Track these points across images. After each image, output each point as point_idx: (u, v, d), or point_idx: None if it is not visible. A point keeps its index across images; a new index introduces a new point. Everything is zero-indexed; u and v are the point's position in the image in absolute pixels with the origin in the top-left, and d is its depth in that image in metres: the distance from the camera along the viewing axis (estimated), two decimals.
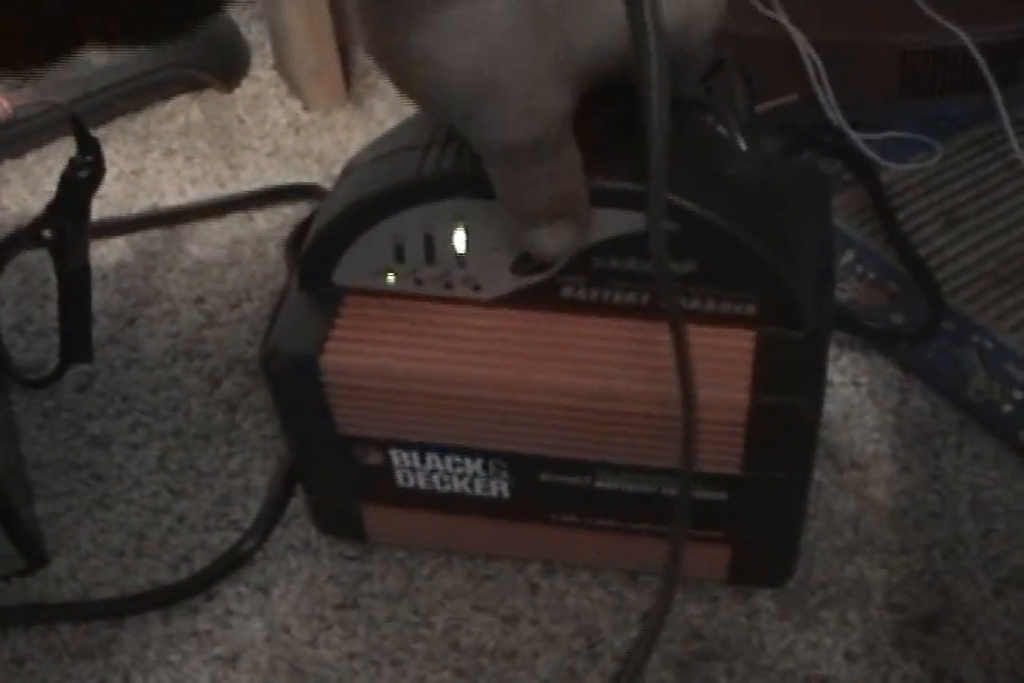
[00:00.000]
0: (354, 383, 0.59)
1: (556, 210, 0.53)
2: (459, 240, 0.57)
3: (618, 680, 0.59)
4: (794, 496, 0.61)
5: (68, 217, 0.75)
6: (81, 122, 0.72)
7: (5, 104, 0.63)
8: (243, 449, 0.76)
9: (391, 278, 0.60)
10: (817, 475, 0.71)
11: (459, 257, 0.58)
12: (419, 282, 0.59)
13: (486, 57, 0.46)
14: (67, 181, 0.74)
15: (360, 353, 0.59)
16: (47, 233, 0.76)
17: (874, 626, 0.65)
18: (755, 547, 0.64)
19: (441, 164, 0.55)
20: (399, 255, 0.59)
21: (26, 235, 0.77)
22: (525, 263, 0.57)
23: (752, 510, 0.61)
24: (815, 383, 0.57)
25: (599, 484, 0.62)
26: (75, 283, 0.77)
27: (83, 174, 0.73)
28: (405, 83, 0.48)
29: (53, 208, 0.75)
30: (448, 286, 0.59)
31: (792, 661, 0.64)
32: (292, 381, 0.60)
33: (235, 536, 0.71)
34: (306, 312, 0.61)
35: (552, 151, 0.50)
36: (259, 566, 0.70)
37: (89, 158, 0.73)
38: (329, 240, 0.59)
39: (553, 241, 0.54)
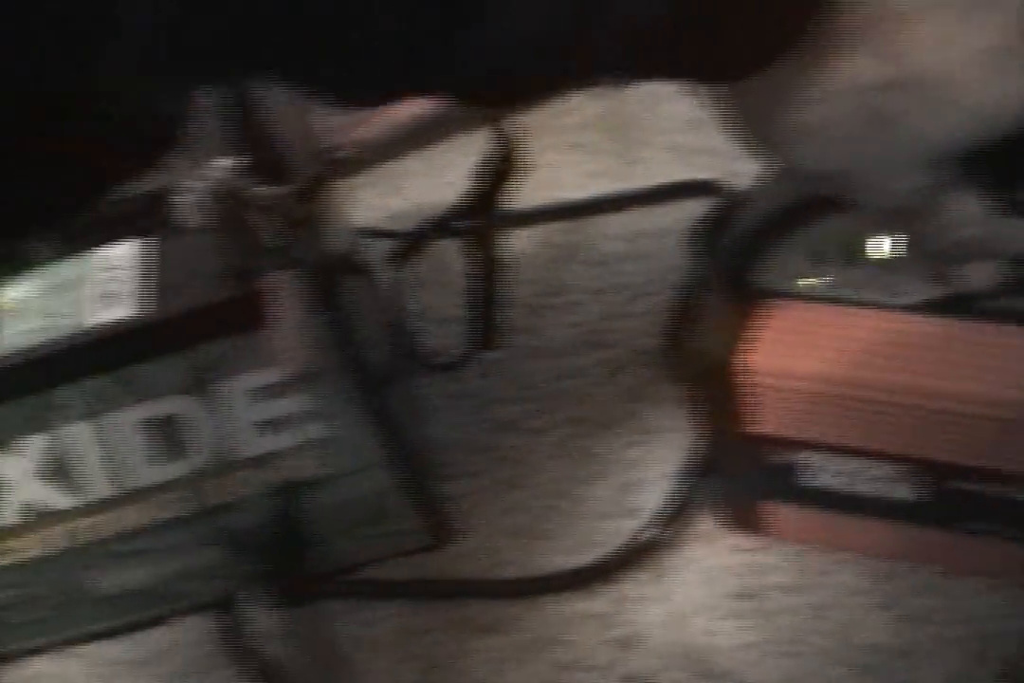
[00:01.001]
0: (772, 384, 0.61)
1: (965, 253, 0.54)
2: (881, 246, 0.58)
3: None
4: None
5: (481, 209, 0.79)
6: (500, 117, 0.75)
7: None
8: (644, 439, 0.78)
9: (810, 281, 0.61)
10: None
11: (878, 263, 0.59)
12: (836, 287, 0.61)
13: (827, 155, 0.49)
14: (482, 173, 0.77)
15: (778, 355, 0.61)
16: (459, 224, 0.79)
17: None
18: None
19: None
20: (819, 259, 0.60)
21: (438, 225, 0.81)
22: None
23: None
24: None
25: (1012, 495, 0.61)
26: (485, 273, 0.81)
27: (497, 167, 0.76)
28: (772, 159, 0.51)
29: (467, 199, 0.78)
30: (865, 291, 0.60)
31: None
32: (711, 379, 0.62)
33: (632, 523, 0.73)
34: (726, 313, 0.62)
35: (931, 211, 0.51)
36: (658, 554, 0.72)
37: (504, 152, 0.76)
38: (752, 243, 0.61)
39: (973, 278, 0.56)
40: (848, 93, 0.47)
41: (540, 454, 0.79)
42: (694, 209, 0.92)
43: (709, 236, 0.80)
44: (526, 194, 0.95)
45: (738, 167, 0.93)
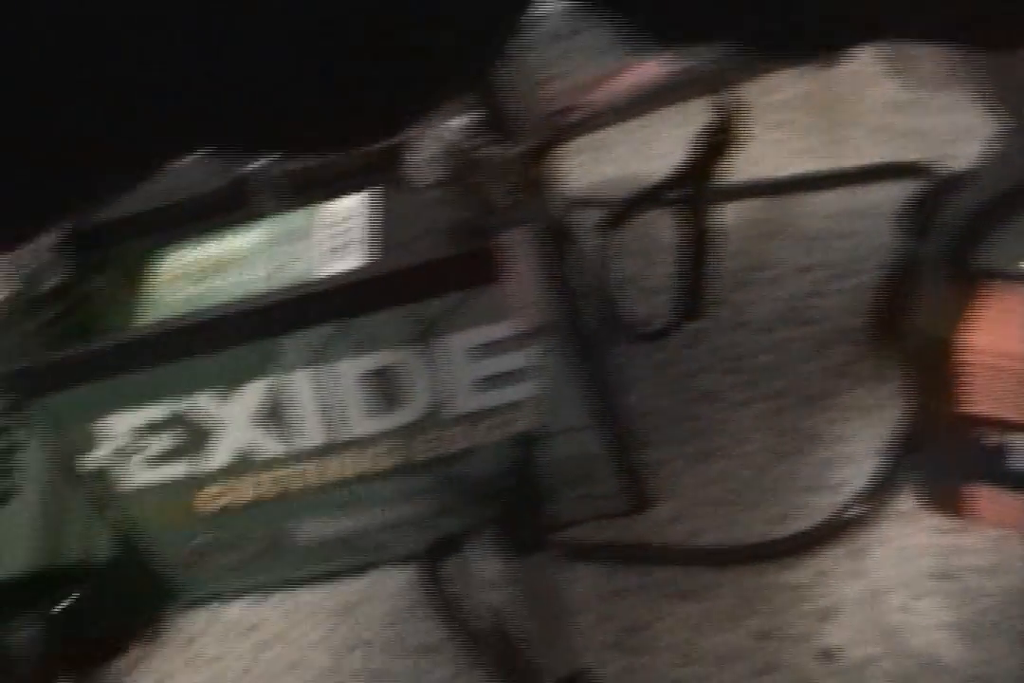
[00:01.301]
0: (989, 364, 0.61)
1: None
2: None
3: None
4: None
5: (696, 179, 0.79)
6: (726, 90, 0.76)
7: (655, 70, 0.67)
8: (848, 416, 0.79)
9: None
10: None
11: None
12: None
13: None
14: (701, 145, 0.78)
15: (997, 335, 0.61)
16: (672, 194, 0.80)
17: None
18: None
19: None
20: None
21: (650, 194, 0.81)
22: None
23: None
24: None
25: None
26: (696, 243, 0.82)
27: (717, 139, 0.77)
28: None
29: (684, 170, 0.79)
30: None
31: None
32: (928, 358, 0.62)
33: (832, 499, 0.74)
34: (946, 292, 0.63)
35: None
36: (857, 530, 0.72)
37: (722, 124, 0.77)
38: (978, 222, 0.61)
39: None
40: None
41: (742, 426, 0.80)
42: (900, 191, 0.92)
43: (921, 216, 0.81)
44: (731, 169, 0.95)
45: (946, 150, 0.93)
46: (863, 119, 1.01)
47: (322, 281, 0.64)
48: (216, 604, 0.80)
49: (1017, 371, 0.61)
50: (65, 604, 0.74)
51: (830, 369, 0.82)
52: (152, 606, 0.79)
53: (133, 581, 0.77)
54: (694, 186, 0.79)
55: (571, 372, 0.68)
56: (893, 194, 0.92)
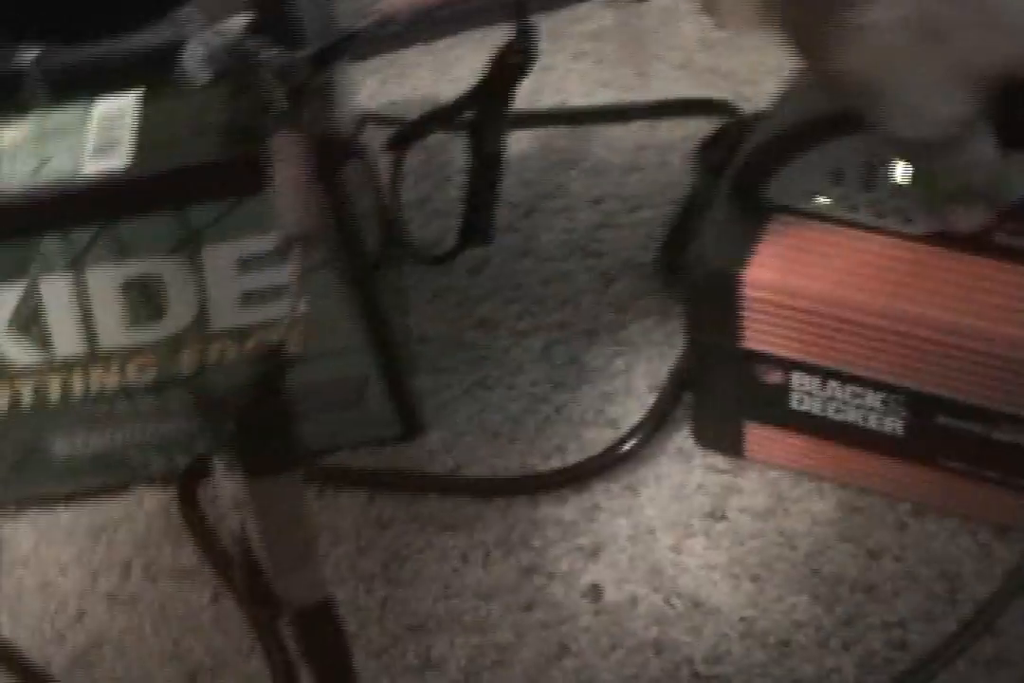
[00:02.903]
0: (771, 299, 0.60)
1: (965, 195, 0.53)
2: (901, 171, 0.57)
3: (967, 627, 0.59)
4: None
5: (491, 101, 0.77)
6: (524, 6, 0.73)
7: None
8: (628, 350, 0.78)
9: (824, 200, 0.60)
10: None
11: (898, 188, 0.58)
12: (852, 208, 0.60)
13: (872, 64, 0.47)
14: (496, 65, 0.75)
15: (783, 271, 0.60)
16: (466, 114, 0.77)
17: None
18: None
19: None
20: (837, 179, 0.59)
21: (444, 116, 0.79)
22: None
23: None
24: None
25: (996, 435, 0.61)
26: (486, 167, 0.79)
27: (515, 60, 0.75)
28: (810, 67, 0.50)
29: (478, 91, 0.76)
30: (880, 215, 0.59)
31: None
32: (711, 291, 0.61)
33: (609, 434, 0.73)
34: (733, 225, 0.61)
35: (954, 148, 0.51)
36: (631, 466, 0.72)
37: (524, 45, 0.74)
38: (769, 155, 0.60)
39: (963, 220, 0.56)
40: (914, 3, 0.45)
41: (521, 356, 0.78)
42: (700, 127, 0.91)
43: (716, 153, 0.79)
44: (531, 96, 0.93)
45: (747, 90, 0.92)
46: (670, 54, 1.00)
47: (84, 180, 0.61)
48: None
49: (801, 309, 0.60)
50: None
51: (613, 302, 0.80)
52: None
53: None
54: (485, 109, 0.77)
55: (346, 291, 0.65)
56: (692, 131, 0.91)
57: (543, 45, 0.97)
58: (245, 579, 0.56)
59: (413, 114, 0.85)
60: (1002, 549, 0.67)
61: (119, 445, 0.72)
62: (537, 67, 0.95)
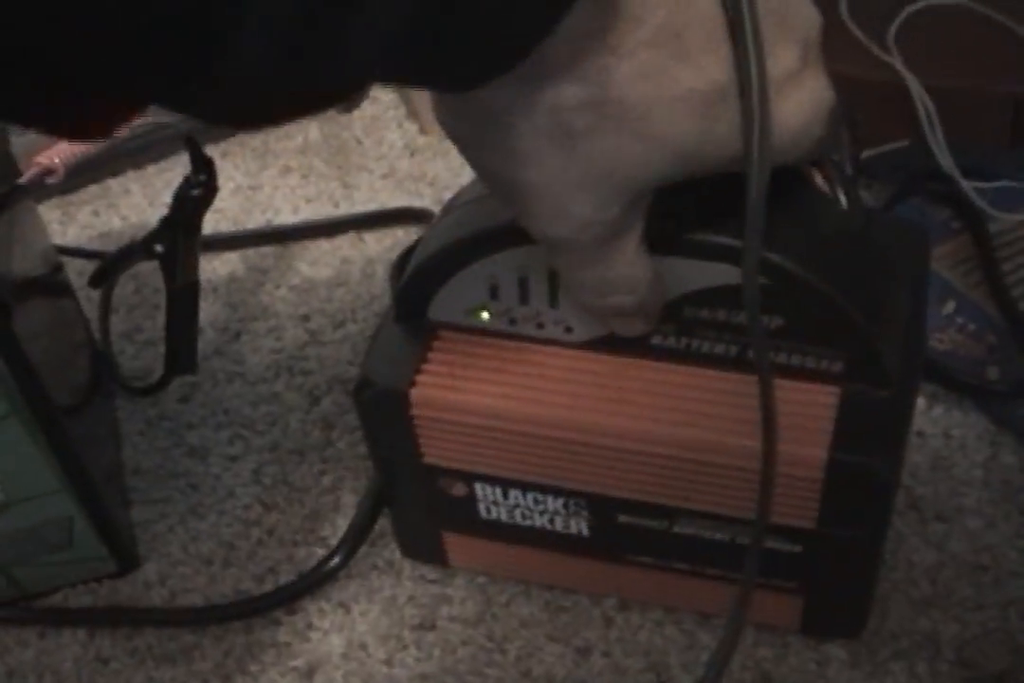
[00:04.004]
0: (441, 417, 0.61)
1: (615, 312, 0.55)
2: (554, 283, 0.59)
3: None
4: (868, 552, 0.61)
5: (180, 232, 0.78)
6: (196, 142, 0.74)
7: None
8: (336, 467, 0.79)
9: (485, 316, 0.61)
10: (899, 525, 0.72)
11: (552, 299, 0.59)
12: (512, 321, 0.61)
13: (509, 161, 0.48)
14: (180, 198, 0.76)
15: (449, 388, 0.61)
16: (159, 247, 0.78)
17: (943, 680, 0.66)
18: (828, 599, 0.65)
19: None
20: (494, 294, 0.60)
21: (140, 247, 0.79)
22: None
23: (826, 563, 0.62)
24: (896, 444, 0.58)
25: (676, 529, 0.63)
26: (184, 297, 0.80)
27: (196, 192, 0.76)
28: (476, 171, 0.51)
29: (166, 223, 0.77)
30: (540, 326, 0.61)
31: None
32: (382, 411, 0.62)
33: (321, 552, 0.74)
34: (400, 344, 0.63)
35: (597, 257, 0.51)
36: (342, 583, 0.72)
37: (203, 177, 0.75)
38: (427, 276, 0.61)
39: (621, 329, 0.58)
40: (545, 111, 0.46)
41: (232, 481, 0.79)
42: (406, 237, 0.93)
43: (403, 265, 0.81)
44: (240, 216, 0.94)
45: (449, 195, 0.94)
46: (375, 164, 1.02)
47: None
48: None
49: (472, 424, 0.61)
50: None
51: (320, 420, 0.81)
52: None
53: None
54: (174, 241, 0.77)
55: (31, 438, 0.65)
56: (397, 241, 0.93)
57: (251, 164, 0.99)
58: None
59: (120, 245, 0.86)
60: (706, 636, 0.69)
61: None
62: (244, 185, 0.97)
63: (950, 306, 0.82)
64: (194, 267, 0.79)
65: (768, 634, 0.68)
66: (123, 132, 0.88)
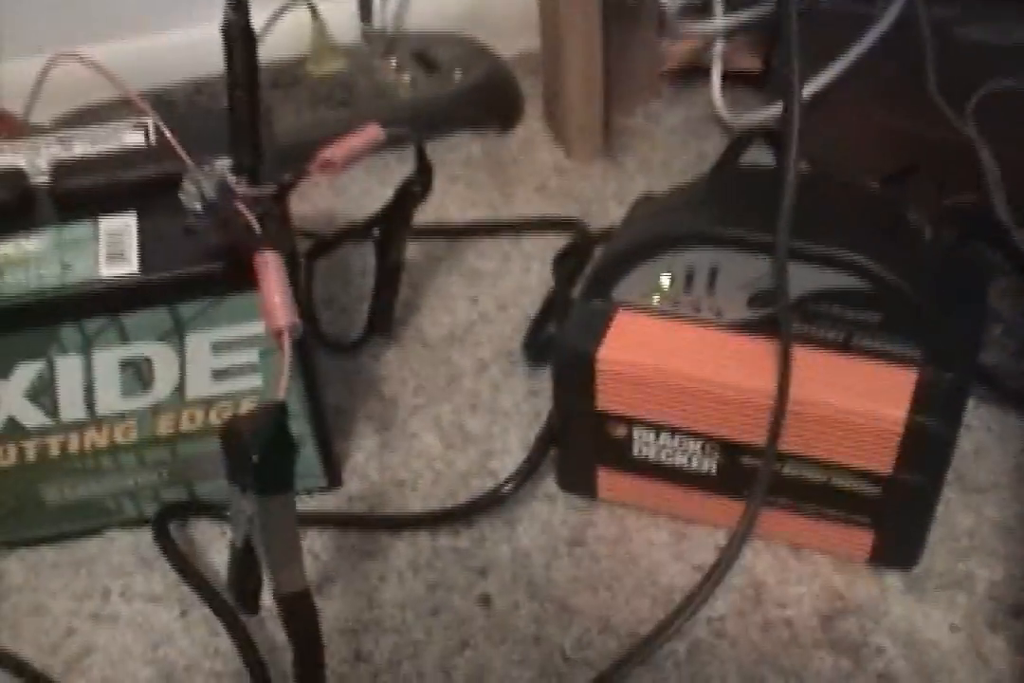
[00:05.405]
0: (618, 373, 0.80)
1: None
2: (712, 277, 0.78)
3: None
4: (928, 497, 0.79)
5: (395, 222, 0.97)
6: (424, 149, 0.92)
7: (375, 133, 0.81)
8: (502, 419, 0.97)
9: (656, 299, 0.80)
10: (947, 493, 0.87)
11: (709, 290, 0.79)
12: (676, 305, 0.80)
13: None
14: (402, 193, 0.94)
15: (625, 351, 0.80)
16: (376, 231, 0.97)
17: (975, 609, 0.82)
18: (893, 534, 0.82)
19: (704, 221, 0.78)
20: (667, 283, 0.79)
21: (356, 232, 0.98)
22: (757, 301, 0.78)
23: (895, 503, 0.79)
24: (956, 413, 0.76)
25: (785, 471, 0.81)
26: (390, 274, 0.99)
27: (415, 189, 0.94)
28: None
29: (386, 212, 0.95)
30: (697, 310, 0.80)
31: (908, 625, 0.83)
32: (572, 368, 0.81)
33: (490, 482, 0.91)
34: (587, 318, 0.81)
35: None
36: (509, 507, 0.90)
37: (423, 177, 0.94)
38: (616, 265, 0.80)
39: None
40: None
41: (417, 425, 0.97)
42: (555, 241, 1.11)
43: (568, 262, 1.01)
44: (417, 214, 1.13)
45: (592, 210, 1.13)
46: (529, 179, 1.21)
47: (101, 282, 0.76)
48: None
49: (640, 379, 0.80)
50: None
51: (489, 383, 1.00)
52: None
53: None
54: (390, 228, 0.96)
55: (295, 369, 0.83)
56: (550, 242, 1.12)
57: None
58: (235, 579, 0.73)
59: (317, 227, 1.04)
60: (796, 563, 0.87)
61: (99, 494, 0.87)
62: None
63: (998, 329, 0.99)
64: (401, 251, 0.98)
65: (844, 564, 0.86)
66: None
